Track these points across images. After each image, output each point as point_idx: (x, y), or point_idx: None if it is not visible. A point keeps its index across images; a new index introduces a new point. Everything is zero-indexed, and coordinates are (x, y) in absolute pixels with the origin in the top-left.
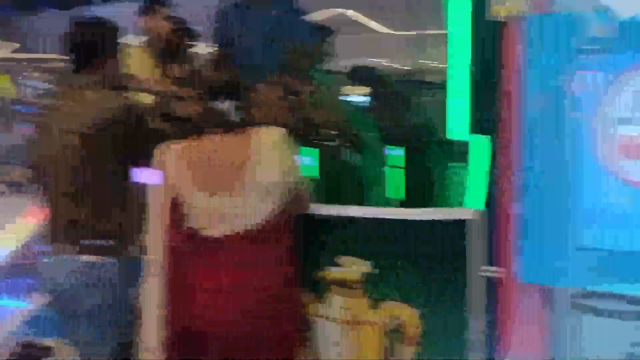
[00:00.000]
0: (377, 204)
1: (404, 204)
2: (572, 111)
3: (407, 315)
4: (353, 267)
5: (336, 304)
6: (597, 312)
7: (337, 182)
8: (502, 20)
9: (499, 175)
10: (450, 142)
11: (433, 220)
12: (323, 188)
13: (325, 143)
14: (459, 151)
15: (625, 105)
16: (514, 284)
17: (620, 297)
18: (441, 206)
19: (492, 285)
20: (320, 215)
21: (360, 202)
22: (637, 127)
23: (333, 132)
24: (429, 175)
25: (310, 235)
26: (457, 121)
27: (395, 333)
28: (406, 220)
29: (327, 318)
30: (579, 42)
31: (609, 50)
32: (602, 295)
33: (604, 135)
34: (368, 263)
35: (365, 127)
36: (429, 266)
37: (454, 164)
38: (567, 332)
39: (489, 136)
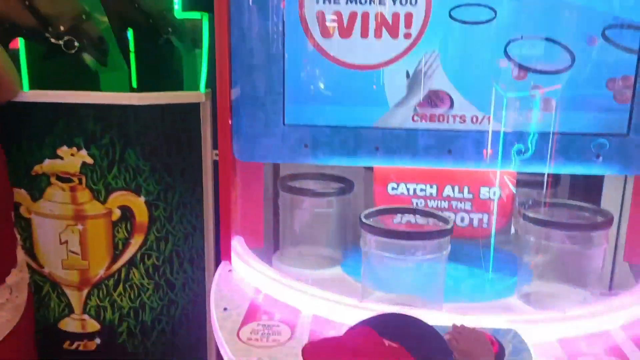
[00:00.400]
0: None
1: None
2: None
3: (135, 204)
4: (71, 158)
5: (58, 199)
6: None
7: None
8: None
9: (218, 58)
10: (182, 23)
11: (165, 104)
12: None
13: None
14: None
15: None
16: (234, 164)
17: None
18: (176, 90)
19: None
20: (36, 103)
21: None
22: (337, 5)
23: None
24: (163, 59)
25: (23, 126)
26: None
27: (123, 222)
28: (138, 105)
29: (49, 215)
30: None
31: None
32: None
33: (310, 17)
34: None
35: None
36: (160, 152)
37: (186, 46)
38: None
39: (206, 14)
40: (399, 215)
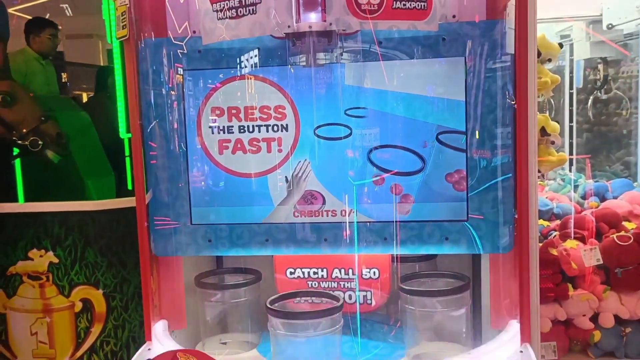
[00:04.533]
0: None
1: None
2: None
3: (94, 296)
4: (40, 259)
5: (29, 295)
6: None
7: (42, 179)
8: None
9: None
10: None
11: (117, 209)
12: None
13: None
14: None
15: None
16: (155, 259)
17: None
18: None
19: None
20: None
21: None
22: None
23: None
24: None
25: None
26: None
27: (84, 313)
28: (94, 211)
29: (21, 310)
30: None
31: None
32: None
33: (206, 134)
34: (53, 254)
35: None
36: (112, 250)
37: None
38: None
39: None
40: (298, 298)
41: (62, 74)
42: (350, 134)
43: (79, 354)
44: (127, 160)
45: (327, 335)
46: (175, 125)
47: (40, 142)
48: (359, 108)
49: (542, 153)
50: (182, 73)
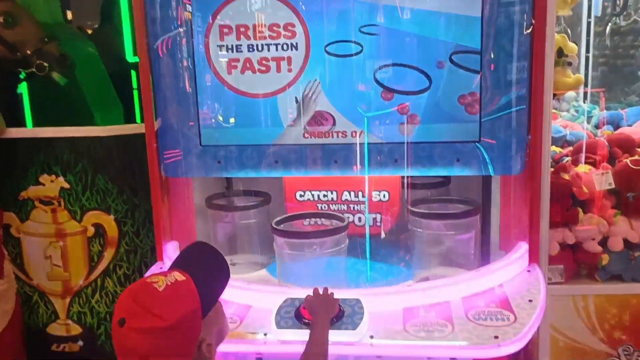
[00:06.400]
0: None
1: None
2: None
3: (106, 221)
4: (51, 184)
5: (41, 219)
6: None
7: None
8: None
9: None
10: None
11: (126, 135)
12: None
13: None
14: None
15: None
16: (166, 181)
17: None
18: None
19: None
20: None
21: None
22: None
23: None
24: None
25: (10, 159)
26: None
27: (97, 238)
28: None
29: (35, 234)
30: None
31: None
32: None
33: (214, 57)
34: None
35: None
36: (122, 177)
37: None
38: None
39: None
40: (307, 219)
41: (67, 11)
42: (361, 51)
43: (92, 277)
44: (135, 92)
45: (331, 255)
46: (184, 43)
47: (46, 65)
48: (371, 25)
49: (559, 74)
50: None
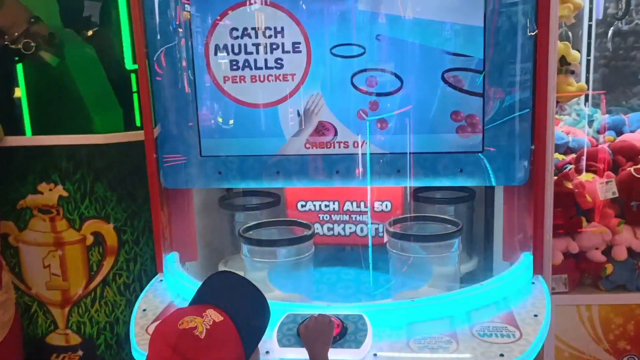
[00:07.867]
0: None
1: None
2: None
3: (105, 230)
4: (50, 193)
5: (40, 228)
6: None
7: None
8: None
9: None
10: None
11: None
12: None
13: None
14: None
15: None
16: (166, 191)
17: None
18: None
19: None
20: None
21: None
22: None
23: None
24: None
25: (8, 167)
26: None
27: (96, 247)
28: (100, 144)
29: (33, 243)
30: None
31: None
32: None
33: (214, 66)
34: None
35: None
36: (121, 185)
37: None
38: None
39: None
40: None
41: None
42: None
43: (92, 286)
44: (135, 96)
45: (295, 263)
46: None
47: (32, 44)
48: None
49: (561, 83)
50: None
